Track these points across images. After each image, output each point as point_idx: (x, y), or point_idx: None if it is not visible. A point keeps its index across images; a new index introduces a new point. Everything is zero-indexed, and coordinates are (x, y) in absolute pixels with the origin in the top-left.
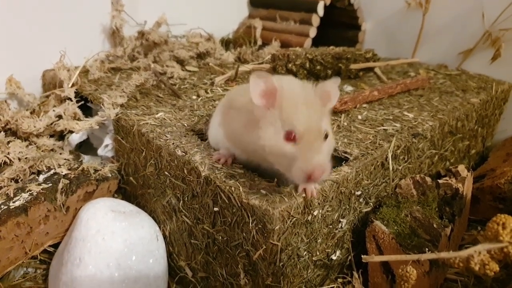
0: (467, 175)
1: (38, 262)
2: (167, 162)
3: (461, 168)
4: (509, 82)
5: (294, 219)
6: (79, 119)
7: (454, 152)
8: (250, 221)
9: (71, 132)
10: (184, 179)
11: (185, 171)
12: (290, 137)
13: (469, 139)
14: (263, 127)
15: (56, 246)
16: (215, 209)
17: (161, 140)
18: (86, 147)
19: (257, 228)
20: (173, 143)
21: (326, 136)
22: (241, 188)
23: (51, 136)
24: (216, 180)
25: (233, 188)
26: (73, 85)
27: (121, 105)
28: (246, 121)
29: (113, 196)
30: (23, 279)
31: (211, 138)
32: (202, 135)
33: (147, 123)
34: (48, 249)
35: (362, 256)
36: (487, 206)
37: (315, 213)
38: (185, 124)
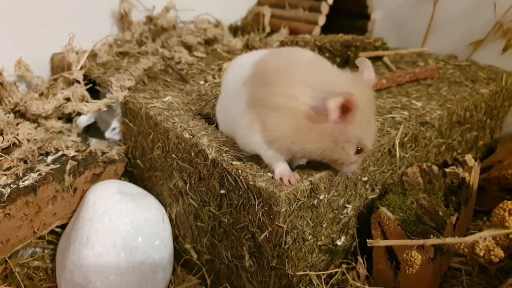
0: (474, 165)
1: (45, 242)
2: (175, 145)
3: (468, 158)
4: None
5: (300, 202)
6: (87, 102)
7: (462, 142)
8: (256, 203)
9: (79, 114)
10: (191, 162)
11: (192, 153)
12: (359, 151)
13: (477, 130)
14: (340, 144)
15: (63, 227)
16: (222, 191)
17: (169, 123)
18: (93, 131)
19: (263, 210)
20: (180, 126)
21: None
22: (248, 171)
23: (59, 118)
24: (223, 162)
25: (239, 171)
26: (81, 68)
27: (129, 88)
28: (299, 127)
29: (120, 179)
30: (31, 258)
31: (243, 141)
32: (209, 119)
33: (155, 106)
34: (56, 230)
35: (368, 240)
36: (494, 196)
37: (321, 197)
38: (193, 108)
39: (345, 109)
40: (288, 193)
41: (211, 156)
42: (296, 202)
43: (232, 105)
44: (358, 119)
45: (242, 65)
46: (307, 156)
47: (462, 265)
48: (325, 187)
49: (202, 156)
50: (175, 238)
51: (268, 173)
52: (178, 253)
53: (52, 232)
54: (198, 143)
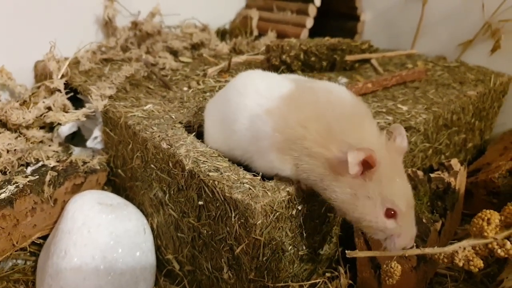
0: (459, 169)
1: (28, 254)
2: (153, 155)
3: (454, 162)
4: (508, 74)
5: (277, 213)
6: (67, 111)
7: (450, 145)
8: (233, 215)
9: (60, 124)
10: (170, 172)
11: (170, 164)
12: (390, 214)
13: (466, 133)
14: (361, 200)
15: (45, 238)
16: (200, 202)
17: (147, 132)
18: (79, 139)
19: (239, 222)
20: (159, 136)
21: None
22: (224, 182)
23: (42, 127)
24: (200, 173)
25: (216, 182)
26: (62, 76)
27: (110, 97)
28: (326, 174)
29: (103, 188)
30: (12, 270)
31: (267, 166)
32: (189, 127)
33: (135, 115)
34: (38, 241)
35: (347, 251)
36: (481, 200)
37: (299, 208)
38: (173, 116)
39: (367, 165)
40: (265, 205)
41: (188, 167)
42: (273, 214)
43: (246, 130)
44: (381, 177)
45: (260, 91)
46: (331, 203)
47: (448, 271)
48: (304, 197)
49: (180, 166)
50: (158, 248)
51: (245, 184)
52: (161, 263)
53: (34, 243)
54: (175, 154)
